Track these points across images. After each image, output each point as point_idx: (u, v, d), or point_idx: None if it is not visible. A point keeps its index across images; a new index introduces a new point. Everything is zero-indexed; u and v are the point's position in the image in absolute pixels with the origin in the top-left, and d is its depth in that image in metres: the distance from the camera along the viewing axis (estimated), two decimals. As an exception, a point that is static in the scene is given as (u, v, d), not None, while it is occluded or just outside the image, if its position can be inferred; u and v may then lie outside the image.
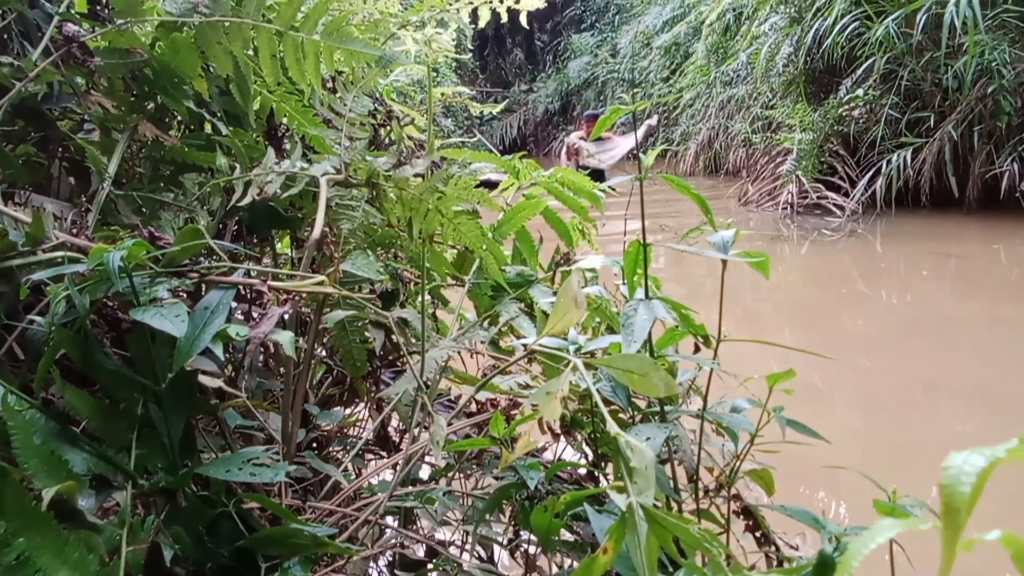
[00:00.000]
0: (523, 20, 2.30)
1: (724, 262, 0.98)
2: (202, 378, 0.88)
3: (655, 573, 0.61)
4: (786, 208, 8.63)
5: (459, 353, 1.43)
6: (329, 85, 1.44)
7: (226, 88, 1.22)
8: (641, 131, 10.47)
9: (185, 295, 0.93)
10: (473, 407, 1.32)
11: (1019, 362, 3.76)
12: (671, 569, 0.78)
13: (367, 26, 1.47)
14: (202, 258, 1.00)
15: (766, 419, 1.07)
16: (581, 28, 21.16)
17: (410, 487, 1.14)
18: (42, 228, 0.80)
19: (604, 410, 0.68)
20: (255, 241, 1.41)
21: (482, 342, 1.32)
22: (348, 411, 1.53)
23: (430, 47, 1.05)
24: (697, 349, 1.16)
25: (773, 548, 1.15)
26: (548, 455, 1.33)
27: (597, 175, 9.29)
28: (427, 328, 1.17)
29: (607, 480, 1.12)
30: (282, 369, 1.27)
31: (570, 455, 1.27)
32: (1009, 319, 4.55)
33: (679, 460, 1.05)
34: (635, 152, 1.01)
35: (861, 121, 8.48)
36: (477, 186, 1.06)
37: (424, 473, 1.41)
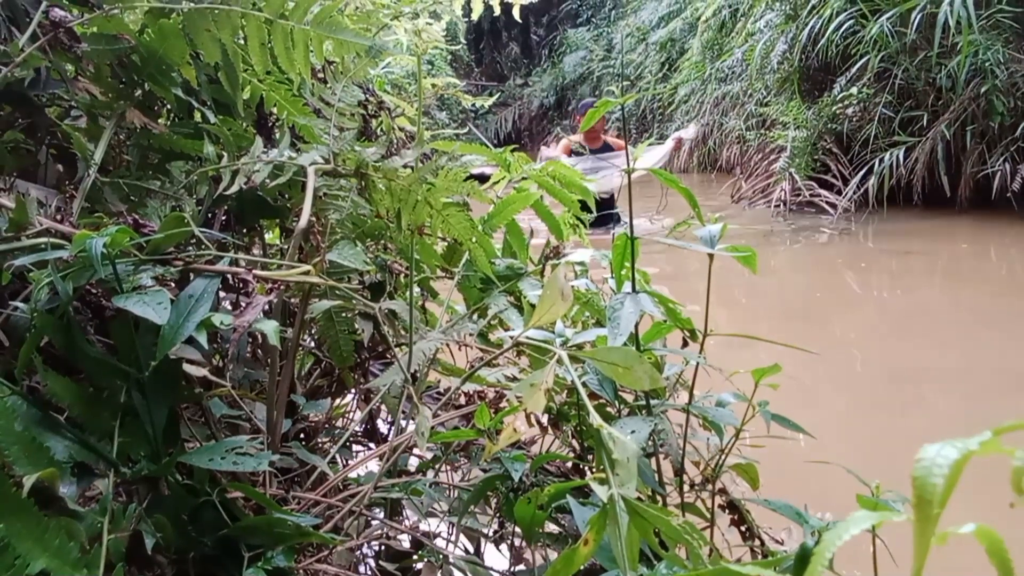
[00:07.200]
0: (516, 14, 2.29)
1: (711, 256, 0.99)
2: (187, 367, 0.88)
3: (636, 565, 0.61)
4: (779, 205, 8.64)
5: (448, 345, 1.43)
6: (320, 75, 1.43)
7: (215, 76, 1.21)
8: (667, 145, 7.80)
9: (173, 284, 0.92)
10: (463, 399, 1.32)
11: (1008, 358, 3.78)
12: (654, 561, 0.79)
13: (359, 16, 1.46)
14: (190, 247, 1.00)
15: (751, 414, 1.07)
16: (577, 23, 21.13)
17: (396, 478, 1.14)
18: (25, 214, 0.80)
19: (588, 402, 0.68)
20: (244, 231, 1.40)
21: (471, 334, 1.32)
22: (337, 402, 1.52)
23: (420, 37, 1.05)
24: (685, 343, 1.17)
25: (758, 542, 1.16)
26: (536, 448, 1.33)
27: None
28: (416, 320, 1.17)
29: (592, 473, 1.12)
30: (269, 359, 1.26)
31: (559, 449, 1.27)
32: (997, 316, 4.57)
33: (665, 454, 1.05)
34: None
35: (855, 119, 8.48)
36: (468, 178, 1.05)
37: (413, 465, 1.41)
